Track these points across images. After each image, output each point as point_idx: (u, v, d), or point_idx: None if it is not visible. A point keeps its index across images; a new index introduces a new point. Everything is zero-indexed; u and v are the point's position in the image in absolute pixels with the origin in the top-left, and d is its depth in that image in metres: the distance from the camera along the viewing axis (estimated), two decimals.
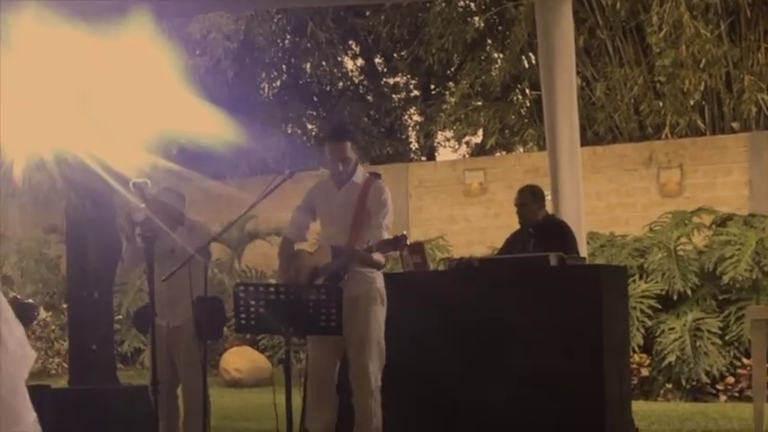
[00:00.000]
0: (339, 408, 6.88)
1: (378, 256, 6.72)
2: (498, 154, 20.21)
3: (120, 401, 8.40)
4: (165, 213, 7.27)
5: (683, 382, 12.15)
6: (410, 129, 24.10)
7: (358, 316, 6.52)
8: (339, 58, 22.45)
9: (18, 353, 4.03)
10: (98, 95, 9.59)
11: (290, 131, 21.62)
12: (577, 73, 12.64)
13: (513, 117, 19.30)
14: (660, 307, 12.60)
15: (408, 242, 6.67)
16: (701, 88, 15.86)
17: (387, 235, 6.72)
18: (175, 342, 7.34)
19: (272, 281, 8.58)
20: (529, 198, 8.62)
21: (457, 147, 23.25)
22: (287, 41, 21.87)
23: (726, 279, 12.31)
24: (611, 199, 15.55)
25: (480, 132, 20.96)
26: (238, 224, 15.52)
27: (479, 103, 19.50)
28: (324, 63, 21.59)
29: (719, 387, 12.08)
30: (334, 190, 6.94)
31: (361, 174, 6.99)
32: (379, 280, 6.83)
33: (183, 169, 8.80)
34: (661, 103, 16.50)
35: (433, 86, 23.64)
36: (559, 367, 7.12)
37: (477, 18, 20.04)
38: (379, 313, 6.77)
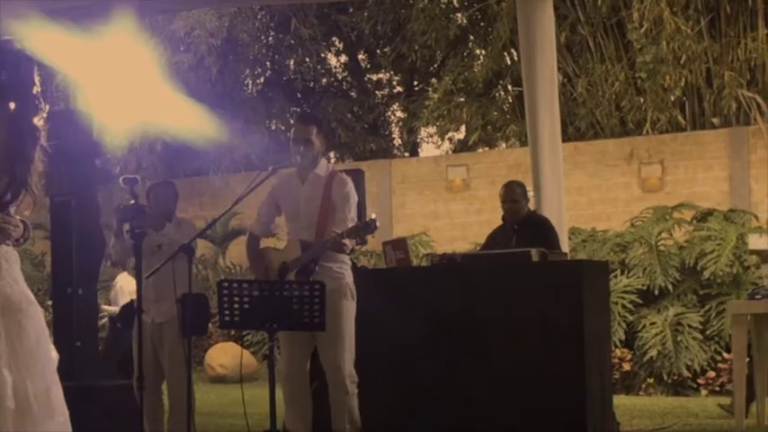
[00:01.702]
0: (318, 402, 6.93)
1: (348, 242, 6.75)
2: (481, 150, 20.27)
3: (105, 398, 8.43)
4: (154, 209, 7.33)
5: (665, 377, 12.23)
6: (393, 125, 24.14)
7: (329, 311, 6.55)
8: (322, 55, 22.49)
9: (53, 353, 4.14)
10: (83, 92, 9.62)
11: (273, 128, 21.64)
12: (559, 69, 12.71)
13: (495, 113, 19.36)
14: (641, 302, 12.68)
15: (378, 224, 6.68)
16: (682, 84, 15.94)
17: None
18: (160, 338, 7.38)
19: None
20: (520, 194, 8.63)
21: (440, 143, 23.30)
22: (270, 38, 21.88)
23: (706, 274, 12.39)
24: (592, 194, 15.64)
25: (463, 128, 21.01)
26: (222, 221, 15.56)
27: (462, 100, 19.54)
28: (307, 59, 21.61)
29: (700, 381, 12.16)
30: (299, 184, 6.97)
31: (323, 166, 7.01)
32: (348, 275, 6.87)
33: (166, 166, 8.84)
34: (642, 99, 16.58)
35: (415, 83, 23.68)
36: (541, 362, 7.17)
37: (459, 14, 20.08)
38: (350, 308, 6.81)
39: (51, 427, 3.92)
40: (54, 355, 4.17)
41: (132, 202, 6.82)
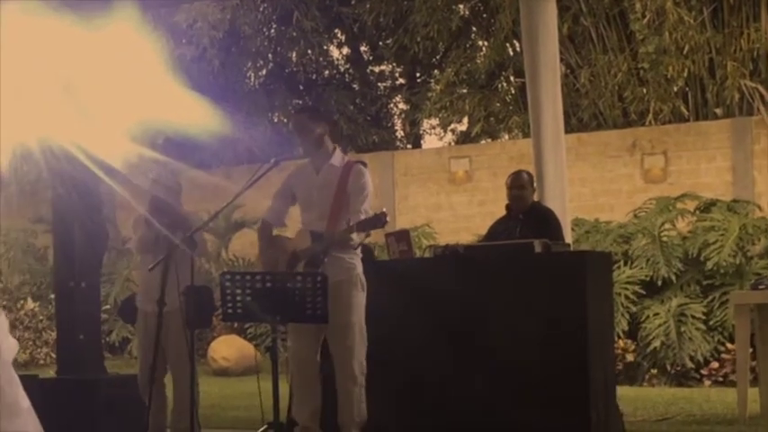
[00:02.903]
0: (324, 394, 6.92)
1: (356, 236, 6.73)
2: (483, 141, 20.26)
3: (109, 391, 8.44)
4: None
5: (668, 368, 12.23)
6: (396, 117, 24.16)
7: (340, 302, 6.54)
8: (325, 47, 22.49)
9: (9, 342, 4.06)
10: (84, 85, 9.61)
11: (275, 120, 21.65)
12: (561, 60, 12.69)
13: (498, 104, 19.35)
14: (645, 293, 12.67)
15: (388, 218, 6.66)
16: (685, 75, 15.93)
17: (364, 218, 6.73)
18: (165, 328, 7.33)
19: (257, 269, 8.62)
20: (528, 182, 8.61)
21: (442, 134, 23.35)
22: (273, 30, 21.88)
23: (710, 264, 12.38)
24: (595, 185, 15.63)
25: (465, 120, 21.02)
26: (225, 213, 15.56)
27: (464, 91, 19.54)
28: (309, 51, 21.62)
29: (704, 372, 12.15)
30: (313, 174, 6.95)
31: (339, 157, 6.99)
32: (359, 266, 6.84)
33: (168, 159, 8.83)
34: (645, 90, 16.56)
35: (418, 74, 23.69)
36: (544, 353, 7.17)
37: (461, 6, 20.06)
38: (360, 299, 6.79)
39: (17, 426, 3.86)
40: (12, 343, 4.09)
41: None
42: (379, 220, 6.57)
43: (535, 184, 8.87)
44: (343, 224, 6.73)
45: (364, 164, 7.38)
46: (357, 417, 6.76)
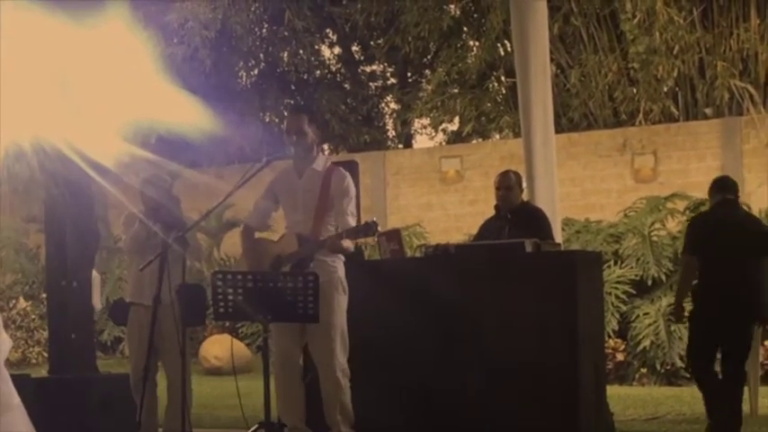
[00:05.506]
0: (311, 395, 6.94)
1: (347, 243, 6.76)
2: (474, 141, 20.29)
3: (100, 390, 8.45)
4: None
5: (658, 367, 12.26)
6: (387, 116, 24.17)
7: (321, 304, 6.55)
8: (316, 47, 22.52)
9: (2, 338, 4.06)
10: (77, 85, 9.62)
11: (267, 120, 21.66)
12: (552, 60, 12.73)
13: (488, 104, 19.39)
14: (635, 292, 12.71)
15: (379, 228, 6.70)
16: (675, 75, 15.99)
17: (353, 221, 6.76)
18: (158, 325, 7.30)
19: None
20: (515, 182, 8.64)
21: (433, 134, 23.35)
22: (264, 30, 21.89)
23: None
24: (585, 185, 15.67)
25: (457, 120, 21.04)
26: (217, 213, 15.56)
27: (455, 91, 19.58)
28: (301, 51, 21.63)
29: None
30: (296, 178, 6.98)
31: (322, 162, 7.02)
32: (340, 269, 6.87)
33: (161, 159, 8.86)
34: (635, 90, 16.62)
35: (409, 74, 23.70)
36: (534, 353, 7.19)
37: (452, 6, 20.10)
38: (342, 302, 6.81)
39: (8, 422, 3.88)
40: (5, 338, 4.11)
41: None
42: (369, 229, 6.61)
43: (524, 184, 8.89)
44: (329, 227, 6.78)
45: (355, 164, 7.40)
46: (342, 416, 6.78)
